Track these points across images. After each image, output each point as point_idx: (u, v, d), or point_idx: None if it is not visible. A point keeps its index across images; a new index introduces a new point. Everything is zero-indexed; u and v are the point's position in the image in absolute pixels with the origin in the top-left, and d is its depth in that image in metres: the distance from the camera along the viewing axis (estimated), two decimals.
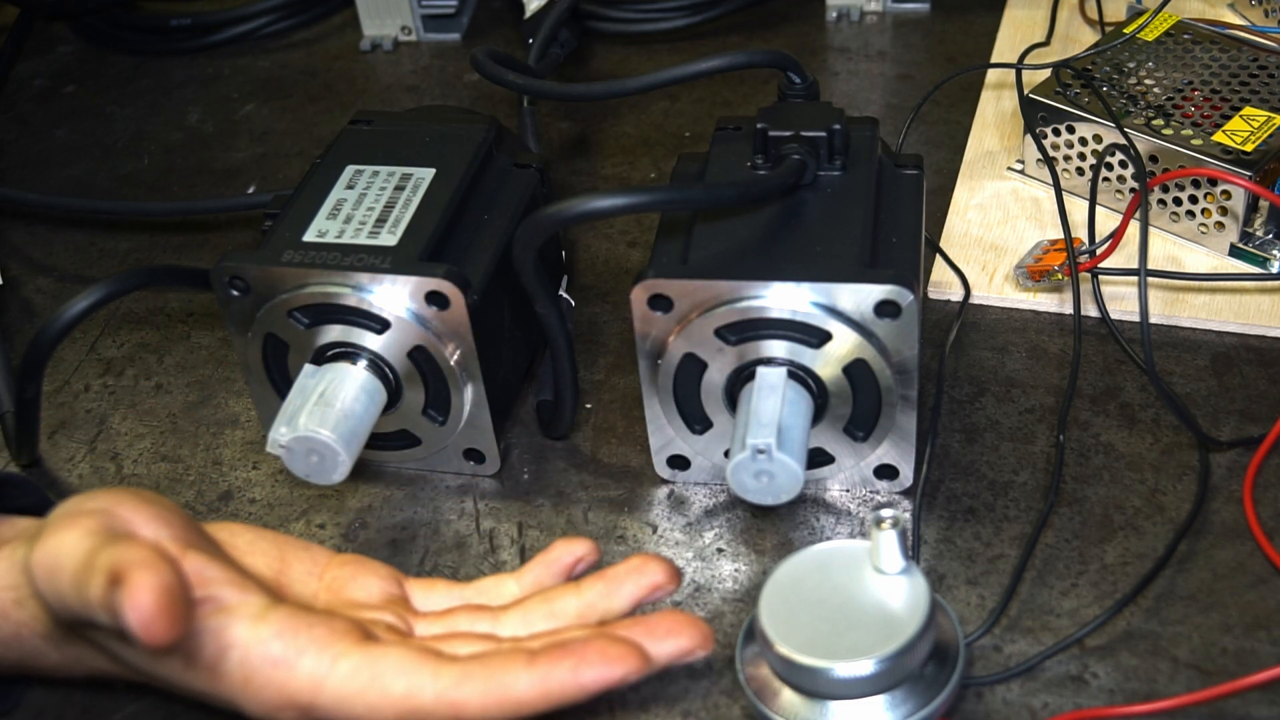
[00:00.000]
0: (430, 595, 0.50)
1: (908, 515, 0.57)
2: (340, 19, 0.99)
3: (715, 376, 0.55)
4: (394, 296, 0.55)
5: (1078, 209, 0.70)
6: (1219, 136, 0.67)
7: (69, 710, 0.52)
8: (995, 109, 0.81)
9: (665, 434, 0.58)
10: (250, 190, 0.82)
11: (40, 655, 0.48)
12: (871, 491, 0.58)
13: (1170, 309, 0.65)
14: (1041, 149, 0.72)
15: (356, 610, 0.48)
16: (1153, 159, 0.68)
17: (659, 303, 0.53)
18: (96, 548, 0.42)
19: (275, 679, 0.43)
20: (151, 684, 0.48)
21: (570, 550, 0.50)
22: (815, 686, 0.46)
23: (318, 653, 0.44)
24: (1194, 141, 0.67)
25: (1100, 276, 0.65)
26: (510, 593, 0.50)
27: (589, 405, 0.64)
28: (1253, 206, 0.66)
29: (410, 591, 0.50)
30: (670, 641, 0.45)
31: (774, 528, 0.57)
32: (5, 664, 0.49)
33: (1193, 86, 0.70)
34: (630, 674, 0.44)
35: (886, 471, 0.57)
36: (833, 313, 0.52)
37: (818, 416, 0.54)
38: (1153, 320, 0.64)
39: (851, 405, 0.54)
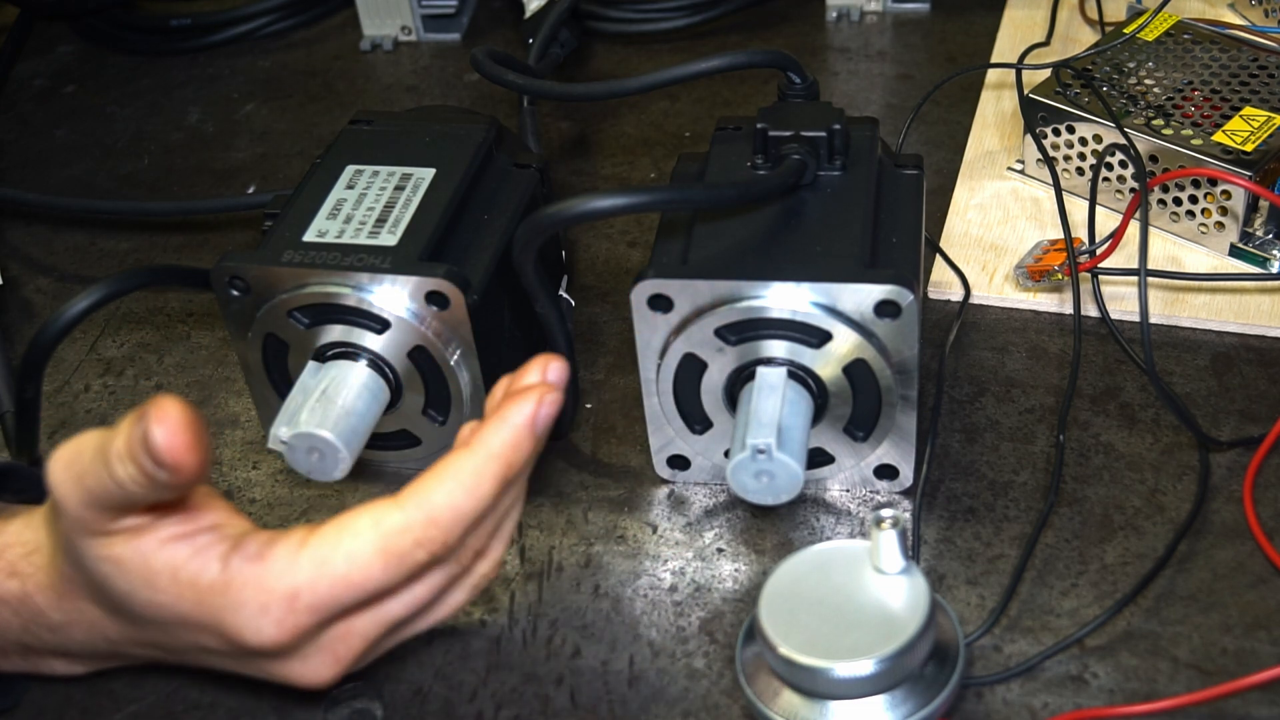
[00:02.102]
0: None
1: (908, 515, 0.57)
2: (340, 19, 0.99)
3: (715, 376, 0.55)
4: (394, 296, 0.55)
5: (1078, 209, 0.70)
6: (1219, 136, 0.67)
7: (69, 710, 0.53)
8: (995, 109, 0.81)
9: (665, 434, 0.58)
10: (250, 190, 0.82)
11: (41, 617, 0.48)
12: (871, 491, 0.58)
13: (1170, 309, 0.65)
14: (1041, 149, 0.72)
15: None
16: (1153, 159, 0.68)
17: (659, 303, 0.53)
18: (111, 429, 0.42)
19: (253, 575, 0.44)
20: (146, 655, 0.48)
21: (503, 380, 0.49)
22: (815, 686, 0.46)
23: (288, 539, 0.45)
24: (1194, 141, 0.67)
25: (1100, 276, 0.65)
26: None
27: (589, 405, 0.64)
28: (1253, 206, 0.66)
29: None
30: (533, 370, 0.46)
31: (774, 528, 0.57)
32: (12, 638, 0.49)
33: (1193, 86, 0.70)
34: (545, 396, 0.45)
35: (886, 471, 0.57)
36: (833, 313, 0.52)
37: (818, 416, 0.54)
38: (1153, 320, 0.64)
39: (851, 405, 0.54)
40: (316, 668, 0.46)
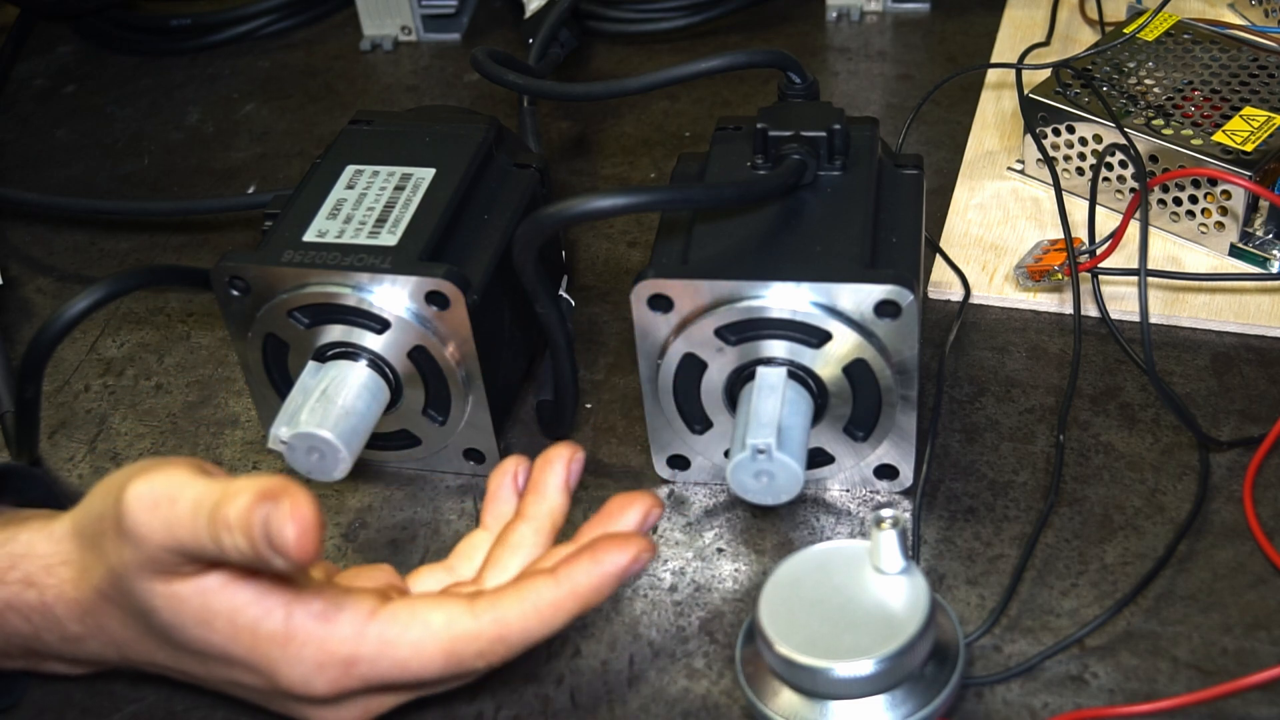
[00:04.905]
0: (419, 580, 0.51)
1: (908, 515, 0.57)
2: (340, 19, 0.99)
3: (715, 376, 0.55)
4: (394, 296, 0.55)
5: (1078, 209, 0.70)
6: (1219, 136, 0.67)
7: (69, 710, 0.53)
8: (995, 109, 0.81)
9: (665, 434, 0.58)
10: (250, 190, 0.82)
11: (57, 627, 0.48)
12: (871, 491, 0.58)
13: (1170, 309, 0.65)
14: (1041, 149, 0.72)
15: None
16: (1153, 159, 0.68)
17: (659, 303, 0.53)
18: (212, 483, 0.43)
19: (316, 634, 0.45)
20: (163, 671, 0.48)
21: (504, 472, 0.52)
22: (815, 686, 0.46)
23: (356, 606, 0.45)
24: (1194, 141, 0.67)
25: (1100, 276, 0.65)
26: (482, 543, 0.52)
27: (589, 405, 0.64)
28: (1253, 206, 0.66)
29: (407, 583, 0.51)
30: (634, 510, 0.48)
31: (774, 528, 0.57)
32: (17, 642, 0.49)
33: (1193, 86, 0.70)
34: (642, 553, 0.46)
35: (886, 471, 0.57)
36: (833, 313, 0.52)
37: (818, 416, 0.54)
38: (1153, 320, 0.64)
39: (851, 405, 0.54)
40: (345, 716, 0.47)
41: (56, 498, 0.55)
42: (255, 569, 0.44)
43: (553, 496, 0.50)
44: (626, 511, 0.49)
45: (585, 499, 0.59)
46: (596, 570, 0.46)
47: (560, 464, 0.50)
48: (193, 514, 0.42)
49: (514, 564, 0.49)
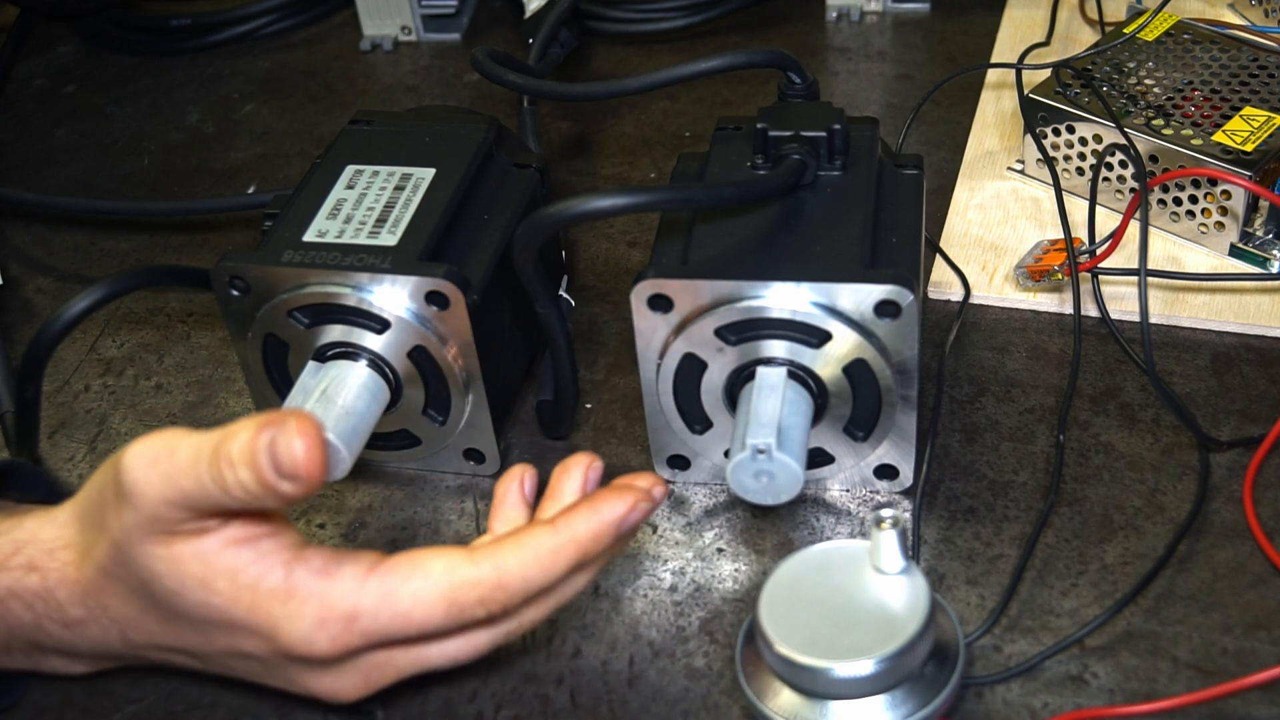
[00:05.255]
0: None
1: (908, 515, 0.57)
2: (340, 19, 0.99)
3: (715, 376, 0.55)
4: (394, 296, 0.55)
5: (1078, 209, 0.70)
6: (1219, 136, 0.67)
7: (69, 710, 0.53)
8: (995, 109, 0.81)
9: (665, 434, 0.58)
10: (250, 190, 0.82)
11: (59, 612, 0.48)
12: (871, 491, 0.58)
13: (1170, 309, 0.65)
14: (1041, 149, 0.72)
15: None
16: (1153, 159, 0.68)
17: (659, 303, 0.53)
18: (209, 432, 0.43)
19: (317, 589, 0.45)
20: (164, 656, 0.49)
21: (511, 478, 0.51)
22: (815, 686, 0.46)
23: (356, 561, 0.46)
24: (1194, 141, 0.67)
25: (1100, 276, 0.65)
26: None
27: (589, 405, 0.64)
28: (1253, 206, 0.66)
29: None
30: (644, 479, 0.47)
31: (774, 528, 0.57)
32: (20, 634, 0.49)
33: (1193, 86, 0.70)
34: (640, 502, 0.46)
35: (886, 471, 0.57)
36: (833, 313, 0.52)
37: (818, 416, 0.54)
38: (1153, 320, 0.64)
39: (851, 405, 0.54)
40: (347, 686, 0.47)
41: (58, 496, 0.55)
42: (258, 516, 0.45)
43: (569, 501, 0.50)
44: (637, 477, 0.48)
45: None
46: (595, 519, 0.46)
47: (579, 471, 0.50)
48: (193, 460, 0.42)
49: None
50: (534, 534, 0.46)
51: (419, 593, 0.45)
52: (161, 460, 0.43)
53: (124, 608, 0.47)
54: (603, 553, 0.47)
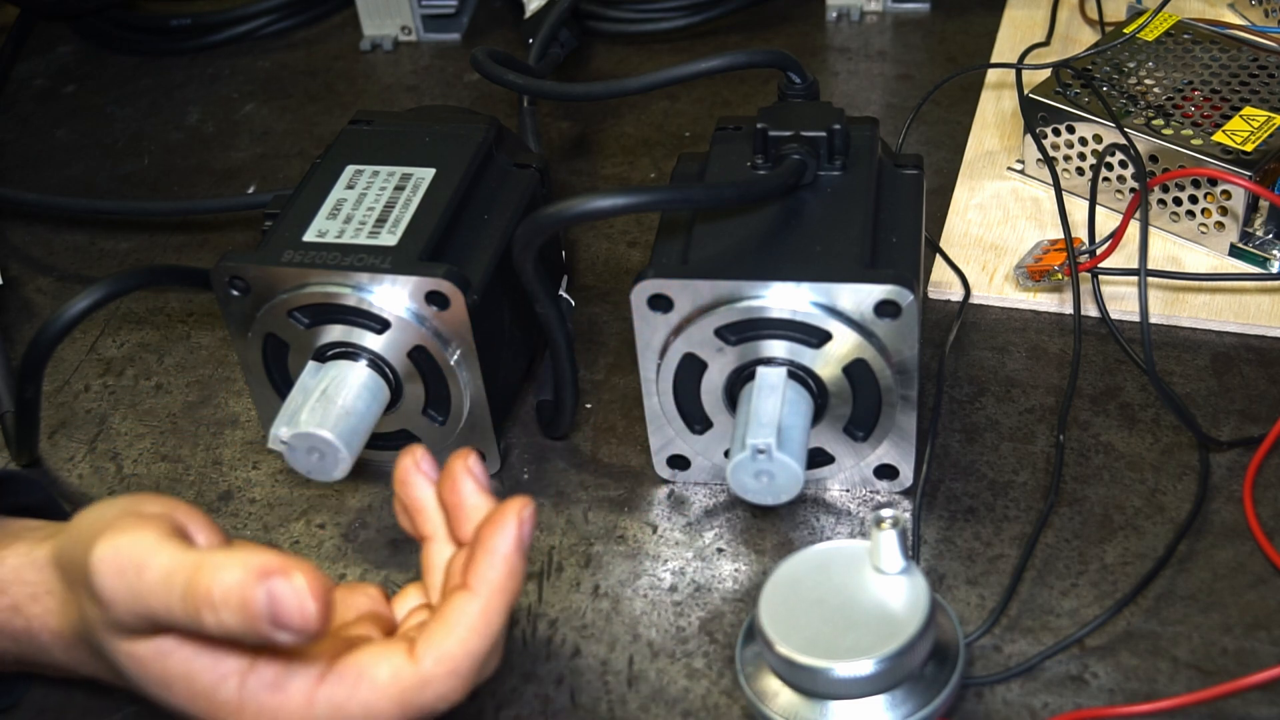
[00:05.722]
0: (405, 601, 0.50)
1: (908, 515, 0.57)
2: (340, 19, 0.99)
3: (715, 376, 0.55)
4: (394, 296, 0.55)
5: (1078, 209, 0.70)
6: (1219, 136, 0.67)
7: (69, 710, 0.53)
8: (995, 109, 0.81)
9: (665, 434, 0.58)
10: (250, 190, 0.82)
11: (44, 653, 0.48)
12: (871, 491, 0.58)
13: (1170, 309, 0.65)
14: (1041, 149, 0.72)
15: (344, 629, 0.48)
16: (1153, 159, 0.68)
17: (659, 303, 0.53)
18: (183, 554, 0.42)
19: (269, 704, 0.44)
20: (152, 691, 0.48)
21: (406, 470, 0.49)
22: (815, 686, 0.46)
23: (306, 671, 0.44)
24: (1194, 141, 0.67)
25: (1100, 276, 0.65)
26: (438, 556, 0.50)
27: (589, 405, 0.64)
28: (1253, 206, 0.66)
29: (393, 605, 0.51)
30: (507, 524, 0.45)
31: (774, 528, 0.57)
32: (6, 660, 0.49)
33: (1193, 86, 0.70)
34: (524, 510, 0.45)
35: (886, 471, 0.57)
36: (833, 313, 0.52)
37: (818, 416, 0.54)
38: (1153, 320, 0.64)
39: (851, 405, 0.54)
40: None
41: (55, 501, 0.55)
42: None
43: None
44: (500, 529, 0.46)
45: (586, 499, 0.59)
46: (499, 561, 0.44)
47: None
48: (164, 586, 0.41)
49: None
50: (457, 607, 0.45)
51: (368, 704, 0.44)
52: (129, 574, 0.42)
53: (104, 671, 0.47)
54: (522, 583, 0.45)
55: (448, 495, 0.48)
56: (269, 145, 0.86)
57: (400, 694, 0.44)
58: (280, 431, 0.53)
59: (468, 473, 0.48)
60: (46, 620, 0.47)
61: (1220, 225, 0.67)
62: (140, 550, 0.42)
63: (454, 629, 0.44)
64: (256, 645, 0.44)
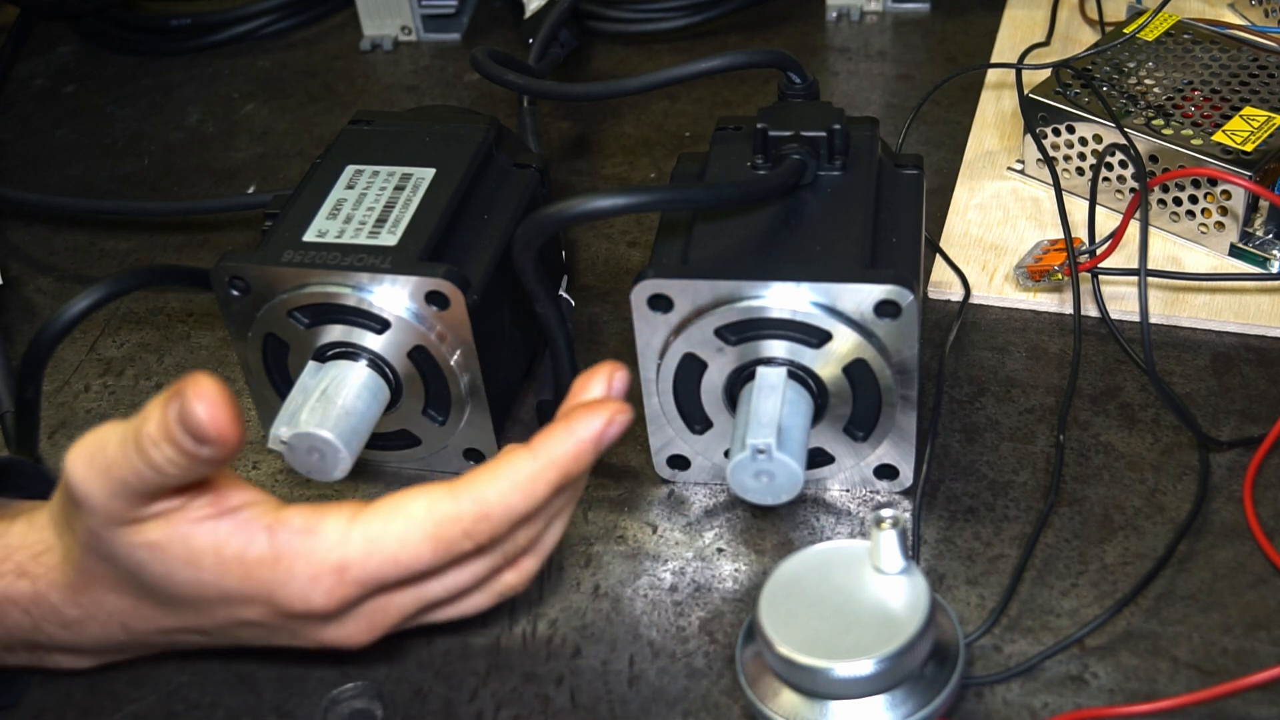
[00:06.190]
0: None
1: (908, 515, 0.57)
2: (340, 19, 0.99)
3: (715, 376, 0.55)
4: (394, 296, 0.55)
5: (1078, 209, 0.70)
6: (1219, 136, 0.67)
7: (69, 710, 0.53)
8: (995, 109, 0.81)
9: (665, 434, 0.58)
10: (250, 190, 0.82)
11: (55, 615, 0.48)
12: (871, 491, 0.58)
13: (1170, 309, 0.65)
14: (1041, 149, 0.72)
15: None
16: (1153, 159, 0.68)
17: (659, 303, 0.53)
18: (133, 418, 0.43)
19: (303, 548, 0.45)
20: (169, 640, 0.49)
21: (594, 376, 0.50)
22: (815, 686, 0.46)
23: (337, 513, 0.45)
24: (1194, 141, 0.67)
25: (1100, 276, 0.65)
26: None
27: None
28: (1253, 206, 0.66)
29: None
30: (619, 377, 0.47)
31: (774, 528, 0.57)
32: (19, 635, 0.49)
33: (1193, 86, 0.70)
34: (617, 415, 0.46)
35: (886, 471, 0.57)
36: (833, 313, 0.52)
37: (818, 416, 0.54)
38: (1153, 320, 0.64)
39: (851, 405, 0.54)
40: (353, 632, 0.47)
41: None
42: (229, 487, 0.45)
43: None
44: (594, 379, 0.48)
45: (586, 499, 0.59)
46: (571, 439, 0.45)
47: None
48: (121, 448, 0.42)
49: None
50: (512, 461, 0.45)
51: (403, 535, 0.45)
52: (96, 456, 0.43)
53: (118, 600, 0.47)
54: (583, 471, 0.46)
55: (579, 386, 0.48)
56: (269, 145, 0.86)
57: (435, 526, 0.45)
58: (280, 431, 0.53)
59: (605, 378, 0.48)
60: (52, 576, 0.47)
61: (1220, 225, 0.67)
62: (99, 434, 0.44)
63: (499, 479, 0.45)
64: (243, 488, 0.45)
